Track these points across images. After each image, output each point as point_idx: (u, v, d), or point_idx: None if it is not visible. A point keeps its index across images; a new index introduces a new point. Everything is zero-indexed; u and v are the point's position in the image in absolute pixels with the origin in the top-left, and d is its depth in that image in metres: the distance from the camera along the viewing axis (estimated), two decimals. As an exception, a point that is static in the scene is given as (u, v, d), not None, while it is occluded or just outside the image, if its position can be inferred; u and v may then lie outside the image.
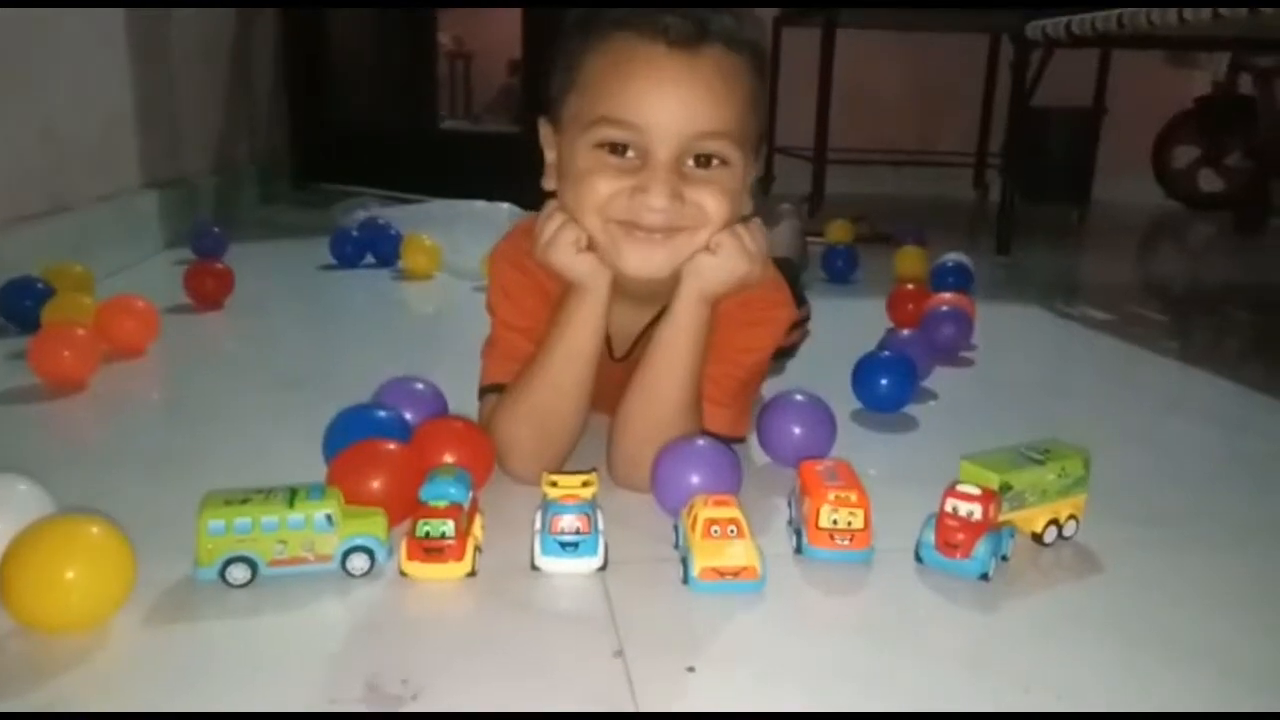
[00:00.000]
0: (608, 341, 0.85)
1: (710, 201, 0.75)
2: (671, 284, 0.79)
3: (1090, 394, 1.18)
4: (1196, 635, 0.63)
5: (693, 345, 0.79)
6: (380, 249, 1.80)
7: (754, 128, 0.79)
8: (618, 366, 0.86)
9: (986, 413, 1.09)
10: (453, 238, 1.77)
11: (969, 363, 1.28)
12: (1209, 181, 3.29)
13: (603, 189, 0.75)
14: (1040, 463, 0.73)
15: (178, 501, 0.74)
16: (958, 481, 0.70)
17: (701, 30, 0.74)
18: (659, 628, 0.61)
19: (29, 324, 1.21)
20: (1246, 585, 0.70)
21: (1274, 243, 2.78)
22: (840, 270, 1.80)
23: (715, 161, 0.75)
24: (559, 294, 0.81)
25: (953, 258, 1.70)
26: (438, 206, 1.96)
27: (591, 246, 0.77)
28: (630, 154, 0.74)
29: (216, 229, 1.81)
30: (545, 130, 0.82)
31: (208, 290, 1.43)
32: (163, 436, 0.93)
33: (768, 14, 2.90)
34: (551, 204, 0.80)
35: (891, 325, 1.43)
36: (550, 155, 0.82)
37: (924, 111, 3.42)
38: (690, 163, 0.75)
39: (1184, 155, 3.30)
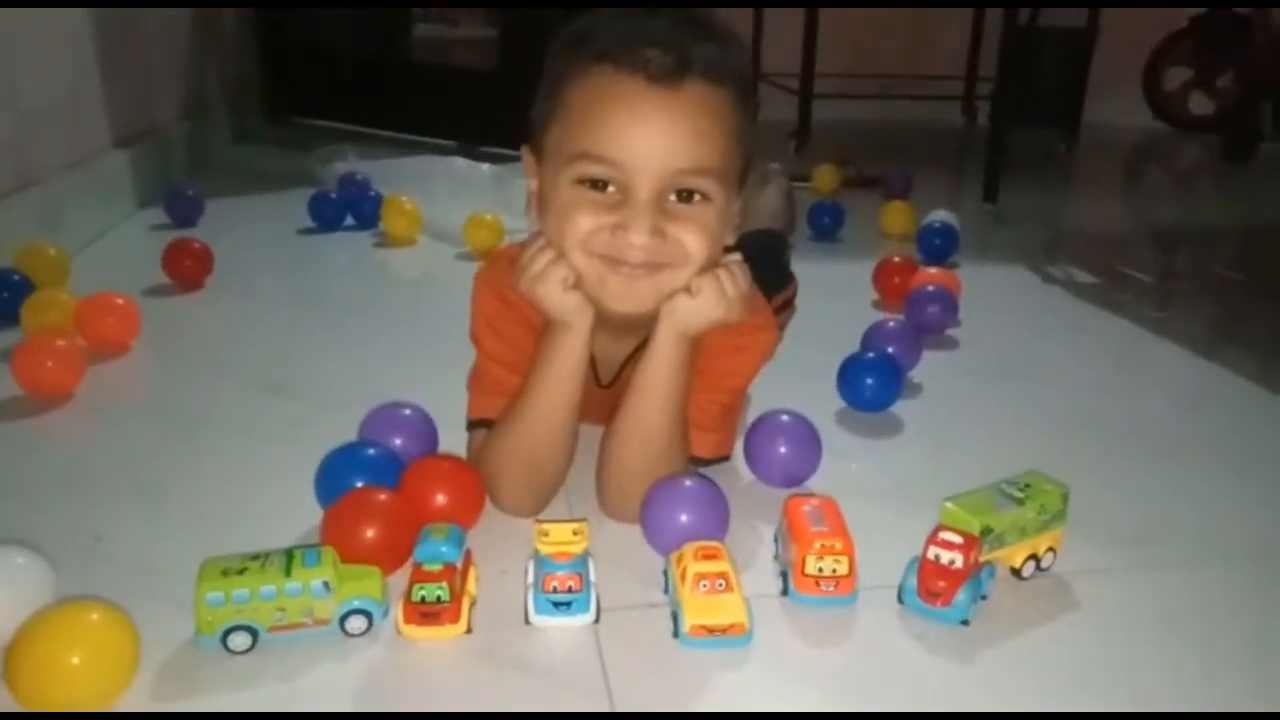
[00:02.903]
0: (594, 368, 0.85)
1: (691, 240, 0.74)
2: (653, 314, 0.78)
3: (1069, 382, 1.18)
4: (1171, 682, 0.66)
5: (674, 381, 0.79)
6: (360, 210, 1.77)
7: (737, 161, 0.77)
8: (606, 393, 0.86)
9: (969, 409, 1.10)
10: (433, 197, 1.74)
11: (953, 344, 1.29)
12: (1199, 104, 3.24)
13: (584, 225, 0.74)
14: (1020, 502, 0.75)
15: (172, 542, 0.78)
16: (940, 528, 0.71)
17: (682, 64, 0.72)
18: (650, 690, 0.63)
19: (7, 317, 1.20)
20: (1218, 615, 0.73)
21: (1263, 171, 2.76)
22: (827, 228, 1.79)
23: (697, 197, 0.74)
24: (542, 324, 0.81)
25: (939, 217, 1.69)
26: (416, 162, 1.92)
27: (578, 284, 0.76)
28: (611, 189, 0.73)
29: (190, 191, 1.77)
30: (528, 159, 0.81)
31: (186, 270, 1.41)
32: (152, 457, 0.93)
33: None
34: (539, 237, 0.79)
35: (876, 298, 1.44)
36: (533, 184, 0.81)
37: (913, 30, 3.33)
38: (672, 197, 0.74)
39: (1176, 77, 3.25)
